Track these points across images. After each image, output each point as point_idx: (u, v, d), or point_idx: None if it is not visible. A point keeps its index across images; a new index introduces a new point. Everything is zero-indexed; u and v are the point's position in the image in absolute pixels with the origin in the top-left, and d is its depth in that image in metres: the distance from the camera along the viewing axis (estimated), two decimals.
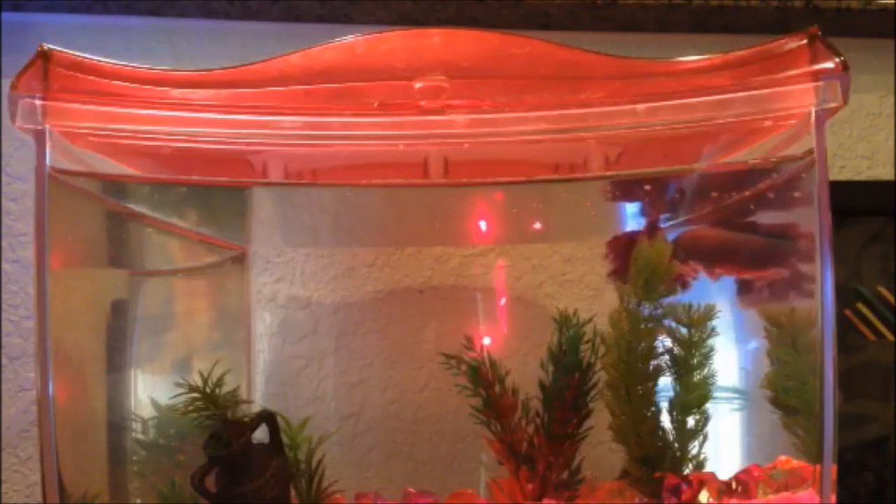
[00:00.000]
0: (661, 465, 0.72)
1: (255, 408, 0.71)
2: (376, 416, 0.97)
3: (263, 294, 0.97)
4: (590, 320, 0.75)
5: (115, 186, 0.73)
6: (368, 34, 0.69)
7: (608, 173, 0.74)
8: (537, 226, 0.92)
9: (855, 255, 1.04)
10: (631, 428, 0.72)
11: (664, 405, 0.73)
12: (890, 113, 1.09)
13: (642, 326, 0.72)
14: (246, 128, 0.66)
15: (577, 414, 0.75)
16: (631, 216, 0.88)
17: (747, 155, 0.73)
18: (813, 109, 0.64)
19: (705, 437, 0.73)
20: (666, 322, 0.73)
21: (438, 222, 0.89)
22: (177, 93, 0.66)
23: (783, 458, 0.70)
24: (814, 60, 0.64)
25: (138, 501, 0.73)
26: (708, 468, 0.73)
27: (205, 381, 0.67)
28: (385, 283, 0.98)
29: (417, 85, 0.68)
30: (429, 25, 0.97)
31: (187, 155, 0.68)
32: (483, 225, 0.90)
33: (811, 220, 0.63)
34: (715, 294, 0.83)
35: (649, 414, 0.73)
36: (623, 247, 0.80)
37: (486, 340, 0.84)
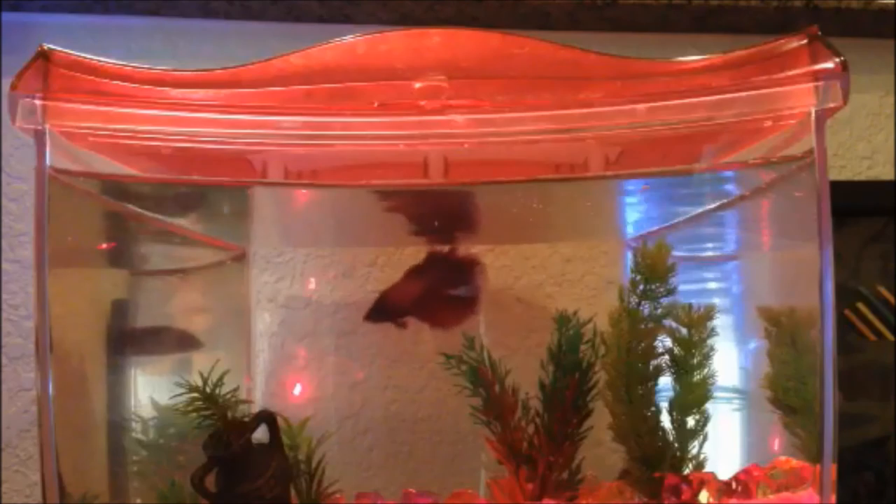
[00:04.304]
0: (661, 465, 0.72)
1: (255, 408, 0.71)
2: (376, 416, 0.97)
3: (263, 294, 0.97)
4: (590, 320, 0.75)
5: (115, 186, 0.73)
6: (368, 34, 0.69)
7: (608, 173, 0.74)
8: (537, 226, 0.91)
9: (855, 255, 1.04)
10: (631, 428, 0.72)
11: (664, 405, 0.73)
12: (890, 113, 1.09)
13: (642, 326, 0.72)
14: (246, 128, 0.66)
15: (577, 414, 0.75)
16: (630, 216, 0.88)
17: (747, 155, 0.73)
18: (813, 109, 0.64)
19: (705, 437, 0.73)
20: (666, 322, 0.73)
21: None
22: (177, 93, 0.66)
23: (783, 458, 0.70)
24: (814, 60, 0.64)
25: (138, 501, 0.73)
26: (708, 468, 0.73)
27: (205, 381, 0.67)
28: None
29: (417, 85, 0.68)
30: (429, 25, 0.97)
31: (187, 155, 0.68)
32: (483, 225, 0.90)
33: (811, 220, 0.63)
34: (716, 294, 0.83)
35: (649, 414, 0.72)
36: None
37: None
